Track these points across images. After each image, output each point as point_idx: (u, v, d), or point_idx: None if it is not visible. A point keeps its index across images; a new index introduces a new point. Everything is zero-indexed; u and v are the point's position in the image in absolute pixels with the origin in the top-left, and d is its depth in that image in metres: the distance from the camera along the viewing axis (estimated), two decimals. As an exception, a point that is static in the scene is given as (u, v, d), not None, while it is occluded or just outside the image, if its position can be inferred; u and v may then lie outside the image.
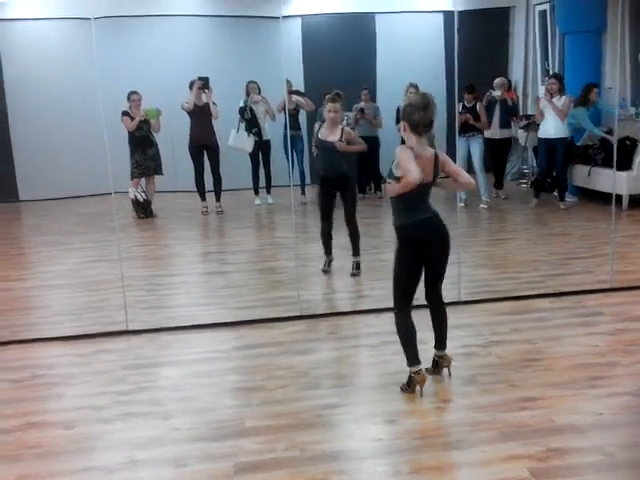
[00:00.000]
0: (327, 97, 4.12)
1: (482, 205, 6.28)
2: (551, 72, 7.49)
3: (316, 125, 4.31)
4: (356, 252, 4.22)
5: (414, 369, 2.57)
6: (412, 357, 2.58)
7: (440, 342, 2.74)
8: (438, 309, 2.73)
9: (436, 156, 2.55)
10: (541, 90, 6.30)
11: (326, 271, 4.25)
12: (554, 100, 5.97)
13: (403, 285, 2.58)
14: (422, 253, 2.57)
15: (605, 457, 2.10)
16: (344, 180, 4.16)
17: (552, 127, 6.03)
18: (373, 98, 7.17)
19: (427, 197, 2.60)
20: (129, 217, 6.42)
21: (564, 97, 6.00)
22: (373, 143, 6.86)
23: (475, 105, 6.27)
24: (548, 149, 6.17)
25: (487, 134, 6.52)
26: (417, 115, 2.45)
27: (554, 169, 6.29)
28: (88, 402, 2.63)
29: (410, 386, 2.59)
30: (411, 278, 2.58)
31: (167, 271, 4.72)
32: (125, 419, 2.48)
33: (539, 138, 6.28)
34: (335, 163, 4.10)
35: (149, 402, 2.62)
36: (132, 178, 6.44)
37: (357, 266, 4.21)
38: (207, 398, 2.63)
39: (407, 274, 2.58)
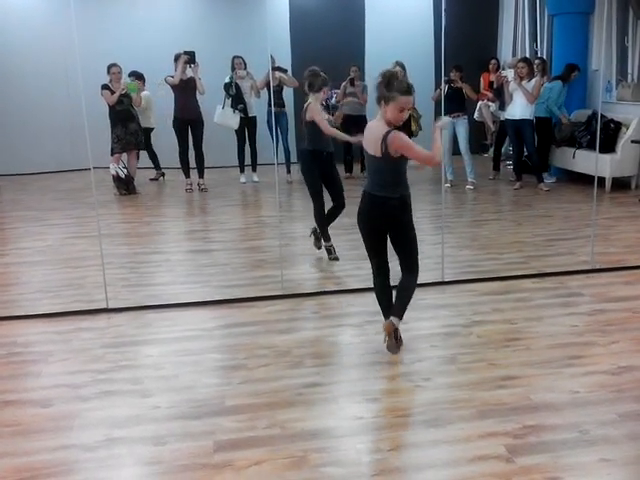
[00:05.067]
0: (321, 78, 3.96)
1: (468, 186, 6.30)
2: (539, 53, 7.48)
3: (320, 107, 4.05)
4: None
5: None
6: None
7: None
8: (402, 278, 2.77)
9: (385, 136, 2.52)
10: (510, 73, 6.30)
11: (336, 258, 4.13)
12: (523, 83, 6.00)
13: (366, 248, 2.79)
14: (366, 223, 2.71)
15: (580, 434, 2.14)
16: (332, 157, 4.10)
17: (518, 109, 6.09)
18: (362, 76, 7.08)
19: (383, 176, 2.61)
20: (110, 193, 6.31)
21: (534, 80, 6.03)
22: (361, 122, 6.80)
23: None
24: (514, 130, 6.23)
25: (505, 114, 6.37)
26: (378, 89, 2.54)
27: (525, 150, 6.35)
28: (66, 380, 2.60)
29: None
30: (367, 244, 2.76)
31: (149, 249, 4.66)
32: (104, 397, 2.46)
33: (506, 119, 6.33)
34: (329, 140, 4.07)
35: (128, 380, 2.59)
36: (113, 153, 6.32)
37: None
38: (188, 376, 2.62)
39: (364, 239, 2.76)
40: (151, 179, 7.01)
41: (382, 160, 2.56)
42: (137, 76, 6.54)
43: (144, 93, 6.63)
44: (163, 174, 7.08)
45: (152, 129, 6.88)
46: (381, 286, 2.80)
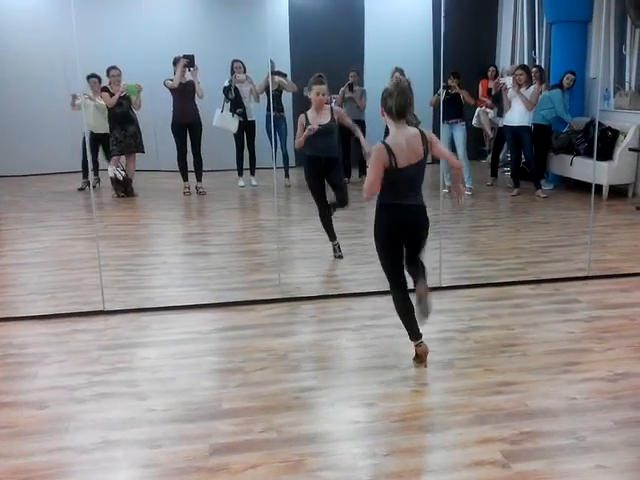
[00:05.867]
0: (311, 80, 4.04)
1: (466, 192, 6.31)
2: (537, 61, 7.53)
3: (301, 116, 4.10)
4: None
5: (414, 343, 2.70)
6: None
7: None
8: (415, 264, 2.71)
9: (422, 133, 2.57)
10: (509, 80, 6.35)
11: (340, 256, 4.20)
12: (522, 90, 6.04)
13: (387, 264, 2.67)
14: (396, 234, 2.63)
15: (576, 440, 2.15)
16: (334, 163, 4.12)
17: (517, 116, 6.13)
18: (361, 81, 7.11)
19: (418, 182, 2.62)
20: (108, 195, 6.31)
21: (532, 87, 6.07)
22: (359, 127, 6.81)
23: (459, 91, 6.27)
24: (513, 137, 6.28)
25: (504, 121, 6.41)
26: (390, 101, 2.51)
27: (523, 157, 6.39)
28: (62, 382, 2.59)
29: (416, 359, 2.72)
30: (391, 257, 2.66)
31: (147, 251, 4.65)
32: (99, 399, 2.45)
33: (504, 126, 6.38)
34: (327, 146, 4.07)
35: (124, 383, 2.59)
36: (111, 156, 6.31)
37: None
38: (185, 379, 2.61)
39: (386, 254, 2.66)
40: (79, 189, 6.55)
41: (422, 162, 2.57)
42: (99, 78, 6.35)
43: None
44: (89, 183, 5.99)
45: (106, 134, 6.34)
46: (407, 302, 2.73)
